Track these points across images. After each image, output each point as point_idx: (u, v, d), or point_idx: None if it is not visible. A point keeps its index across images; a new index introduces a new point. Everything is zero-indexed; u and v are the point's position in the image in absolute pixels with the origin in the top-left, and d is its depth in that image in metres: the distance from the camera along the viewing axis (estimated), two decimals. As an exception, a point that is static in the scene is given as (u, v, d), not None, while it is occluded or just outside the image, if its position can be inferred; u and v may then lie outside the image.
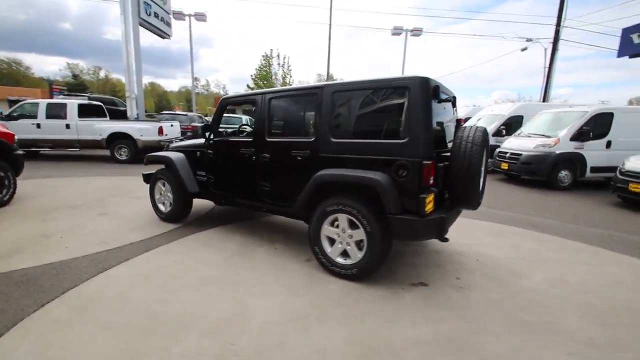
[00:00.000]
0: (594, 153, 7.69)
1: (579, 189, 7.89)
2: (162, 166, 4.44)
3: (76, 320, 2.23)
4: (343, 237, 2.90)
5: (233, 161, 3.75)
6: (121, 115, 12.10)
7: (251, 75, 32.46)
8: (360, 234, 2.77)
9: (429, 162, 2.51)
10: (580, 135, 7.64)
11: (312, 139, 3.03)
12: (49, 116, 9.66)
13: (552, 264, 3.46)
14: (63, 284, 2.71)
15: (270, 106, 3.37)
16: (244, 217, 4.78)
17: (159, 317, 2.28)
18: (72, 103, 9.97)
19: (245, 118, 13.92)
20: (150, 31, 14.05)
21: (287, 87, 3.42)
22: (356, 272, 2.82)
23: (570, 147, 7.66)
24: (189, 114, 14.19)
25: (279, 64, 32.01)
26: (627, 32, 17.90)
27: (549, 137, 7.98)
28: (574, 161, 7.71)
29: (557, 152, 7.63)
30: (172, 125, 10.79)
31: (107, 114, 10.88)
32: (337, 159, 2.90)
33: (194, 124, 13.62)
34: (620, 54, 18.08)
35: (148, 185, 4.62)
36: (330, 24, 18.63)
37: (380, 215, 2.67)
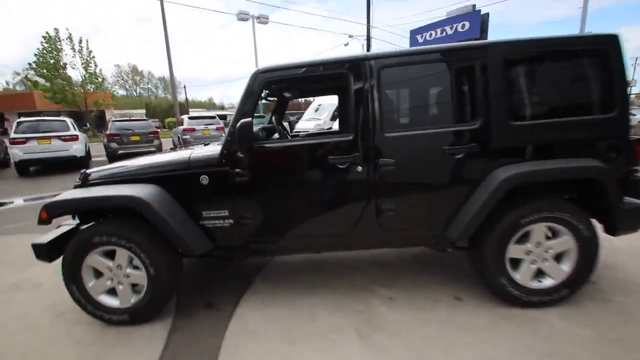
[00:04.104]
0: None
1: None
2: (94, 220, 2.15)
3: None
4: (537, 253, 2.13)
5: (307, 179, 2.17)
6: None
7: (29, 64, 23.13)
8: (565, 243, 2.10)
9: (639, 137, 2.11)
10: (334, 117, 10.69)
11: (477, 126, 2.04)
12: None
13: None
14: None
15: (381, 81, 2.05)
16: (243, 269, 3.04)
17: None
18: None
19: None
20: None
21: (411, 49, 2.18)
22: (566, 293, 2.15)
23: (330, 124, 10.64)
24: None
25: (73, 48, 24.10)
26: (413, 33, 23.51)
27: (319, 119, 11.16)
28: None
29: (326, 127, 10.23)
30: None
31: None
32: (518, 148, 2.07)
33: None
34: (412, 50, 23.71)
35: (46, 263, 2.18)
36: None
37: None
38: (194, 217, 2.19)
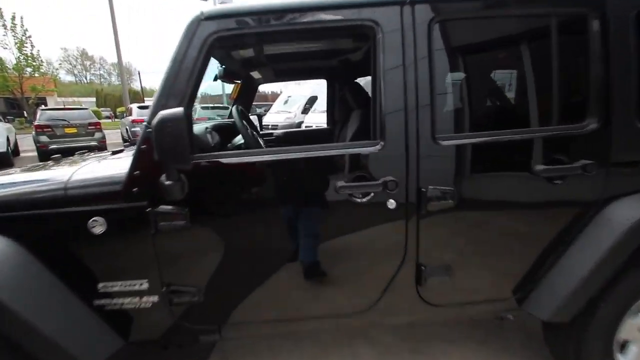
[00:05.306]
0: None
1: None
2: None
3: None
4: (656, 328, 1.36)
5: (296, 223, 1.22)
6: None
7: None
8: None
9: None
10: (305, 110, 10.33)
11: (594, 128, 1.19)
12: None
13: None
14: None
15: (433, 45, 1.13)
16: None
17: None
18: None
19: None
20: None
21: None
22: (692, 387, 1.40)
23: (301, 117, 9.96)
24: None
25: (4, 25, 20.95)
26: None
27: (289, 112, 10.56)
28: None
29: (297, 121, 9.82)
30: None
31: None
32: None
33: None
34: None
35: None
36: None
37: None
38: (81, 296, 1.17)
